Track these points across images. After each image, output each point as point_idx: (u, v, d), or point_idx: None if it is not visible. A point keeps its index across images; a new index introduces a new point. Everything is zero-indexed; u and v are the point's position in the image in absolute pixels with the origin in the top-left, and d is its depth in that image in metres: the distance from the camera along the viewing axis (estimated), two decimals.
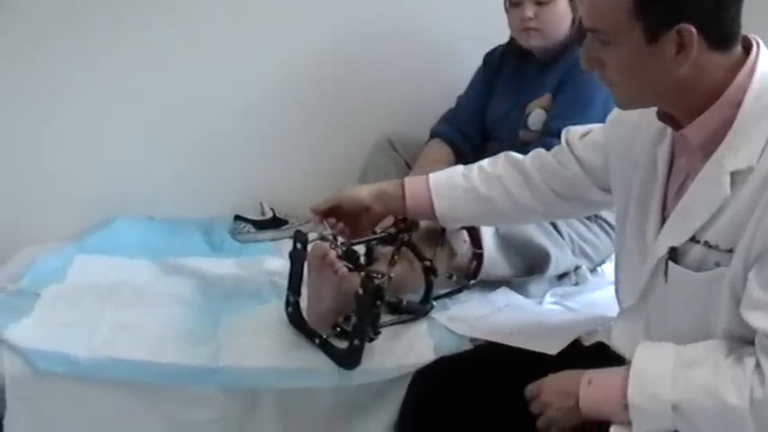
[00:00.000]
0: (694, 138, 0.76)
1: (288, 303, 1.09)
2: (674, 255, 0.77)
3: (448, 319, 1.13)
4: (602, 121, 0.96)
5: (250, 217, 1.55)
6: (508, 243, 1.19)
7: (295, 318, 1.09)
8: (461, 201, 1.03)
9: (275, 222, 1.55)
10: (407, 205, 1.05)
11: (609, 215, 1.24)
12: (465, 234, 1.18)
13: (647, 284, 0.82)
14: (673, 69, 0.72)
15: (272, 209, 1.58)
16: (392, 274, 1.05)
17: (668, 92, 0.74)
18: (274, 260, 1.35)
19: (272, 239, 1.52)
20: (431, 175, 1.06)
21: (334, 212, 1.06)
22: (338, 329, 1.07)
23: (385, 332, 1.06)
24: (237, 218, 1.55)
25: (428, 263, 1.11)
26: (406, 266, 1.13)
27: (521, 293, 1.22)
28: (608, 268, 1.28)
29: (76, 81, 1.41)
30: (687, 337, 0.76)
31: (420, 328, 1.11)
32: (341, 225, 1.06)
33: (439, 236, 1.16)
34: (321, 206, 1.06)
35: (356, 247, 1.08)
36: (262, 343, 1.06)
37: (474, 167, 1.06)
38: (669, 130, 0.81)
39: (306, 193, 1.33)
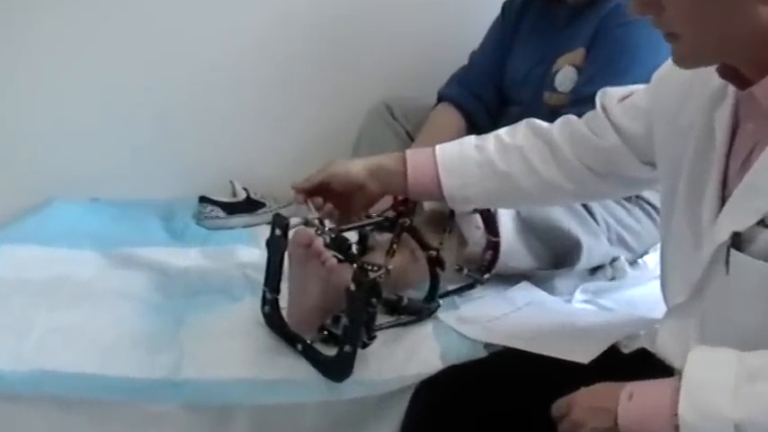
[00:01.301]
0: (766, 98, 0.73)
1: (264, 302, 1.09)
2: (736, 241, 0.74)
3: (457, 320, 1.14)
4: (647, 81, 0.94)
5: (218, 198, 1.55)
6: (530, 229, 1.19)
7: (273, 319, 1.09)
8: (474, 177, 1.04)
9: (249, 205, 1.55)
10: (409, 183, 1.05)
11: (653, 195, 1.24)
12: (478, 218, 1.18)
13: (702, 277, 0.79)
14: (755, 12, 0.68)
15: (245, 189, 1.58)
16: (390, 267, 1.05)
17: (744, 42, 0.70)
18: (248, 250, 1.36)
19: (246, 225, 1.52)
20: (438, 147, 1.06)
21: (320, 191, 1.07)
22: (325, 333, 1.07)
23: (382, 336, 1.07)
24: (203, 199, 1.54)
25: (434, 253, 1.12)
26: (408, 257, 1.14)
27: (545, 290, 1.23)
28: (651, 260, 1.28)
29: (8, 47, 1.41)
30: (751, 341, 0.73)
31: (424, 332, 1.12)
32: (329, 206, 1.06)
33: (447, 220, 1.17)
34: (305, 184, 1.06)
35: (347, 234, 1.08)
36: (233, 349, 1.06)
37: (490, 137, 1.06)
38: (731, 89, 0.78)
39: (286, 169, 1.33)
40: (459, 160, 1.04)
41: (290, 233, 1.04)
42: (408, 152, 1.07)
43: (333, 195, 1.07)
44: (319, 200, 1.06)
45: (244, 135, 1.60)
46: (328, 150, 1.37)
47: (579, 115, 1.03)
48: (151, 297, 1.19)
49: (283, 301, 1.08)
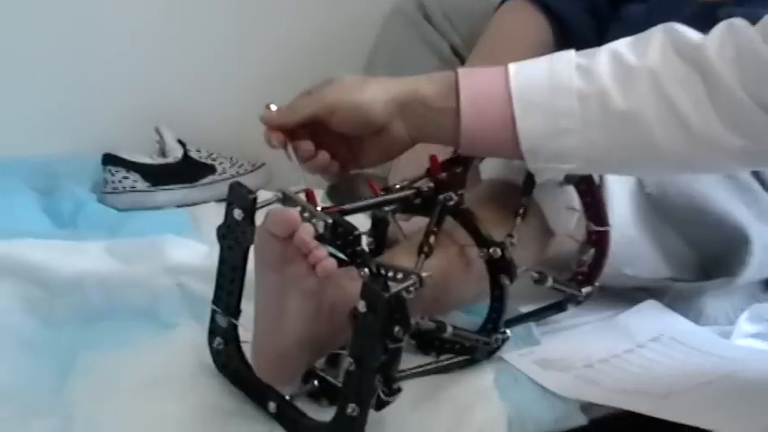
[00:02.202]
0: None
1: (215, 331, 1.10)
2: None
3: (537, 363, 1.16)
4: None
5: (136, 158, 1.57)
6: (664, 214, 1.22)
7: (229, 360, 1.10)
8: (574, 120, 1.05)
9: (188, 169, 1.58)
10: (464, 126, 1.07)
11: None
12: (573, 194, 1.20)
13: None
14: None
15: (180, 142, 1.60)
16: (425, 274, 1.04)
17: None
18: (186, 244, 1.38)
19: (182, 203, 1.55)
20: (512, 68, 1.07)
21: (312, 131, 1.09)
22: (315, 383, 1.08)
23: (410, 389, 1.07)
24: (110, 159, 1.56)
25: (497, 252, 1.12)
26: (454, 258, 1.15)
27: (686, 315, 1.25)
28: None
29: None
30: None
31: (481, 382, 1.13)
32: (324, 157, 1.09)
33: (520, 197, 1.17)
34: (286, 116, 1.09)
35: (353, 218, 1.08)
36: (160, 414, 1.07)
37: (601, 54, 1.07)
38: None
39: (251, 109, 1.33)
40: (549, 90, 1.05)
41: (260, 216, 1.04)
42: (462, 74, 1.08)
43: (331, 141, 1.09)
44: (308, 145, 1.09)
45: (179, 52, 1.65)
46: (323, 68, 1.35)
47: (748, 13, 1.03)
48: (22, 324, 1.20)
49: (247, 333, 1.08)
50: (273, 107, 1.09)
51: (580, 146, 1.05)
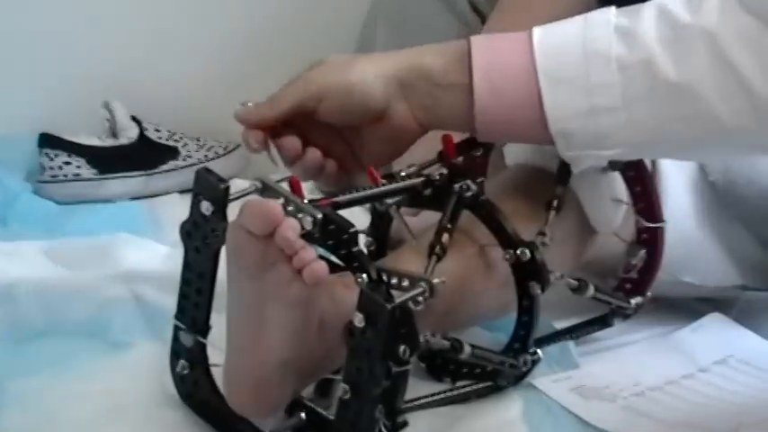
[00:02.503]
0: None
1: (178, 352, 1.11)
2: None
3: (574, 390, 1.17)
4: None
5: (79, 140, 1.59)
6: (733, 206, 1.23)
7: (197, 387, 1.10)
8: (614, 94, 1.05)
9: (146, 151, 1.60)
10: (478, 105, 1.08)
11: None
12: (619, 183, 1.21)
13: None
14: None
15: (135, 119, 1.62)
16: (437, 280, 1.04)
17: None
18: (143, 245, 1.40)
19: (137, 195, 1.57)
20: (537, 34, 1.08)
21: (301, 127, 1.11)
22: (302, 416, 1.08)
23: (420, 421, 1.09)
24: (48, 141, 1.58)
25: (526, 253, 1.12)
26: (472, 261, 1.16)
27: (759, 331, 1.27)
28: None
29: None
30: None
31: (506, 414, 1.14)
32: (314, 155, 1.11)
33: (552, 186, 1.19)
34: (264, 111, 1.10)
35: (347, 212, 1.08)
36: None
37: (645, 12, 1.07)
38: None
39: (221, 83, 1.33)
40: (583, 60, 1.05)
41: (233, 209, 1.03)
42: (476, 42, 1.08)
43: (325, 138, 1.11)
44: (294, 142, 1.10)
45: (133, 10, 1.66)
46: (305, 46, 1.39)
47: None
48: None
49: (217, 354, 1.08)
50: (250, 104, 1.11)
51: (622, 127, 1.05)
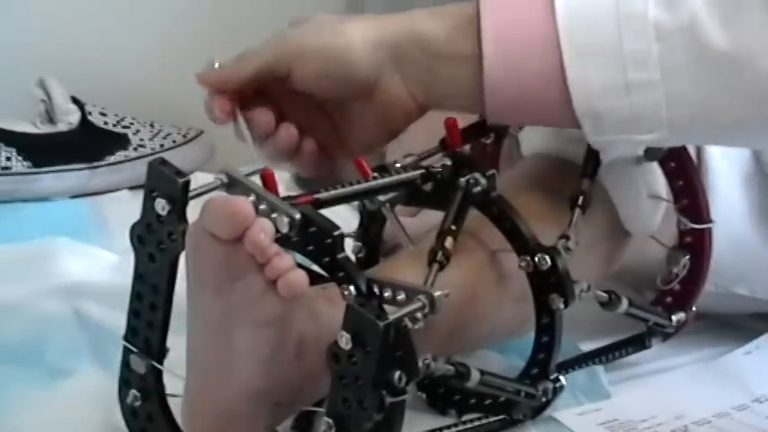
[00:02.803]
0: None
1: (129, 380, 1.11)
2: None
3: (604, 426, 1.19)
4: None
5: (8, 126, 1.60)
6: None
7: (151, 422, 1.11)
8: (651, 69, 1.06)
9: (90, 139, 1.61)
10: (488, 82, 1.08)
11: None
12: (658, 176, 1.22)
13: None
14: None
15: (76, 101, 1.64)
16: (439, 293, 1.04)
17: None
18: (87, 252, 1.42)
19: (78, 193, 1.58)
20: None
21: (275, 94, 1.12)
22: None
23: None
24: None
25: (546, 260, 1.13)
26: (481, 270, 1.18)
27: None
28: None
29: None
30: None
31: None
32: (289, 132, 1.12)
33: (577, 180, 1.20)
34: (233, 72, 1.12)
35: (331, 212, 1.08)
36: None
37: None
38: None
39: (181, 47, 1.33)
40: (614, 25, 1.06)
41: (194, 210, 1.02)
42: (485, 4, 1.09)
43: (301, 108, 1.12)
44: (266, 115, 1.11)
45: None
46: (281, 12, 1.36)
47: None
48: None
49: (176, 380, 1.08)
50: (217, 64, 1.11)
51: (662, 105, 1.06)
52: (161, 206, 1.03)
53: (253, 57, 1.11)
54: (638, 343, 1.26)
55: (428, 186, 1.14)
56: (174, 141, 1.63)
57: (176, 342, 1.07)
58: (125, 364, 1.09)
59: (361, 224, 1.21)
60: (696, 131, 1.11)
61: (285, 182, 1.55)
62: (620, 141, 1.09)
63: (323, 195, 1.09)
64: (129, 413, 1.10)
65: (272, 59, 1.10)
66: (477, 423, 1.16)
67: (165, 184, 1.04)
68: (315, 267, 1.05)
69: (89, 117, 1.60)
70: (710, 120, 1.08)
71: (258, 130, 1.11)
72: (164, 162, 1.05)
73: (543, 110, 1.09)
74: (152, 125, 1.63)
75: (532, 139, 1.24)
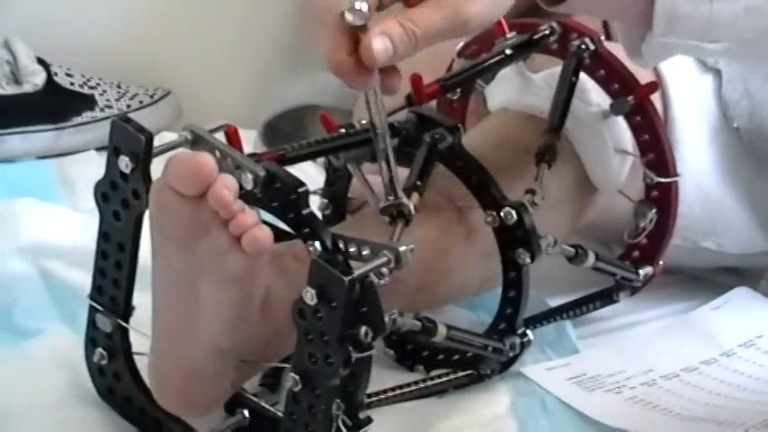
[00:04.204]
0: None
1: (95, 339, 1.11)
2: None
3: (572, 380, 1.19)
4: None
5: None
6: (762, 157, 1.25)
7: (117, 381, 1.11)
8: None
9: (55, 100, 1.60)
10: None
11: None
12: (624, 130, 1.22)
13: None
14: None
15: (42, 61, 1.63)
16: (404, 248, 1.03)
17: None
18: (52, 212, 1.41)
19: (45, 153, 1.58)
20: None
21: None
22: (245, 414, 1.08)
23: (389, 420, 1.10)
24: None
25: (513, 215, 1.13)
26: (447, 225, 1.18)
27: None
28: None
29: None
30: None
31: (492, 409, 1.16)
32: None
33: (544, 134, 1.19)
34: (411, 45, 1.03)
35: (297, 168, 1.09)
36: None
37: None
38: None
39: (145, 14, 1.32)
40: None
41: (158, 167, 1.01)
42: None
43: None
44: (397, 77, 1.04)
45: None
46: None
47: None
48: None
49: (143, 338, 1.08)
50: (364, 5, 0.97)
51: (739, 17, 1.05)
52: (125, 163, 1.03)
53: (431, 27, 0.98)
54: (605, 297, 1.26)
55: (394, 142, 1.12)
56: (141, 102, 1.62)
57: (143, 300, 1.07)
58: (91, 323, 1.10)
59: (327, 181, 1.21)
60: (762, 46, 1.11)
61: (253, 142, 1.55)
62: (685, 46, 1.08)
63: (288, 151, 1.09)
64: (96, 372, 1.11)
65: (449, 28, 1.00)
66: (444, 378, 1.17)
67: (129, 141, 1.03)
68: (280, 224, 1.04)
69: (55, 78, 1.59)
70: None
71: (389, 91, 1.02)
72: (127, 119, 1.05)
73: (622, 1, 1.08)
74: (119, 86, 1.62)
75: (499, 95, 1.23)
